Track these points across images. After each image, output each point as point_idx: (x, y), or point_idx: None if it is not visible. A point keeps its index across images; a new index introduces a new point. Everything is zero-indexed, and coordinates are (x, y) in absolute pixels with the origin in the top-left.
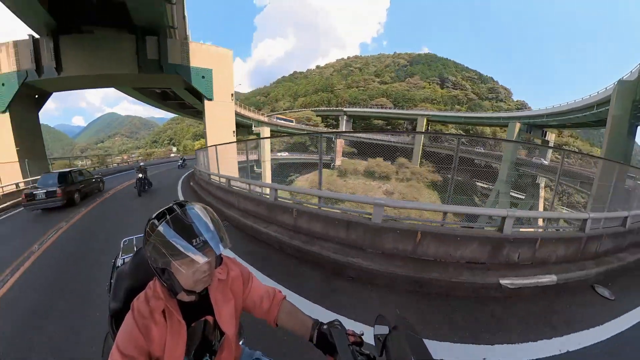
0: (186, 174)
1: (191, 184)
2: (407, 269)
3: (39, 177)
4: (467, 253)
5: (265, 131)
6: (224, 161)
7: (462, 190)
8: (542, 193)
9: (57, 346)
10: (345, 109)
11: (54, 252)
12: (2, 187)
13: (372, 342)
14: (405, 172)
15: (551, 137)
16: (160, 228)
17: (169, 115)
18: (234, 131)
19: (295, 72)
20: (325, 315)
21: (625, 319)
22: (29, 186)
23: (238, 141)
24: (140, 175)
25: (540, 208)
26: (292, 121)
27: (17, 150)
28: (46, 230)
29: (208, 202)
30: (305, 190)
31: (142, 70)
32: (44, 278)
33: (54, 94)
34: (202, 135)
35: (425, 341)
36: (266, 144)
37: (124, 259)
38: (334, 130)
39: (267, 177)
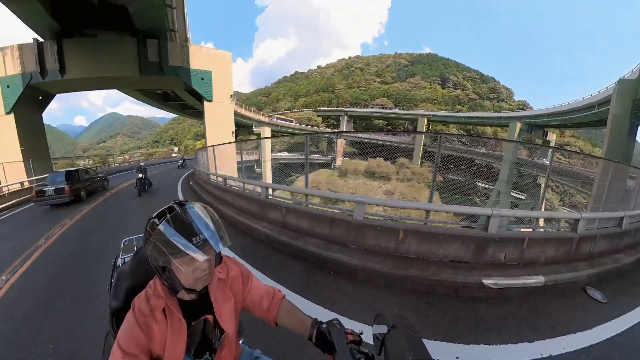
0: (186, 173)
1: (191, 183)
2: (387, 266)
3: (43, 176)
4: (451, 252)
5: (266, 131)
6: (224, 161)
7: (462, 190)
8: (543, 193)
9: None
10: (346, 109)
11: (58, 248)
12: (7, 185)
13: (372, 342)
14: (405, 172)
15: (552, 137)
16: (161, 227)
17: (171, 115)
18: (233, 131)
19: (296, 72)
20: (324, 315)
21: (617, 323)
22: (39, 184)
23: (236, 142)
24: (140, 175)
25: (542, 208)
26: (292, 121)
27: (21, 150)
28: (51, 226)
29: (206, 200)
30: (290, 188)
31: (144, 73)
32: (49, 269)
33: (57, 95)
34: (204, 135)
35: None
36: (266, 144)
37: (124, 258)
38: (334, 130)
39: (268, 177)
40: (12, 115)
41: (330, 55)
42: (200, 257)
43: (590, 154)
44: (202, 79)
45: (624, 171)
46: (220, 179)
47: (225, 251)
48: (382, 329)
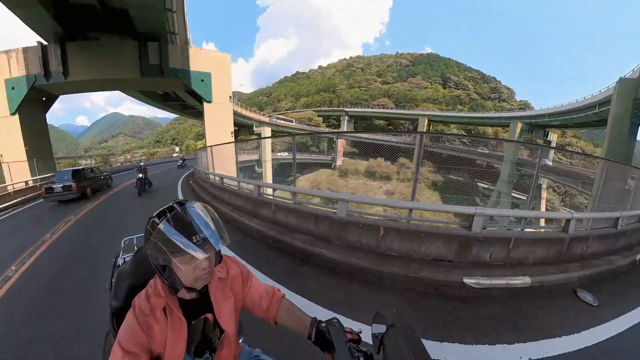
0: (186, 173)
1: (190, 182)
2: (369, 262)
3: (47, 175)
4: (432, 250)
5: (267, 131)
6: (223, 161)
7: (463, 190)
8: (544, 194)
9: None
10: (346, 109)
11: (62, 244)
12: (13, 184)
13: (370, 341)
14: (406, 172)
15: (553, 137)
16: (161, 226)
17: (172, 115)
18: (232, 132)
19: (297, 73)
20: (324, 315)
21: (607, 327)
22: (46, 182)
23: (233, 142)
24: (140, 175)
25: (543, 208)
26: (291, 121)
27: (25, 150)
28: (56, 222)
29: (204, 198)
30: (279, 186)
31: (145, 75)
32: (54, 263)
33: (60, 96)
34: (204, 135)
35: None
36: (267, 144)
37: (124, 258)
38: (334, 130)
39: (268, 177)
40: (16, 116)
41: (331, 55)
42: (200, 255)
43: (592, 154)
44: (202, 80)
45: (624, 171)
46: (217, 178)
47: (225, 250)
48: (381, 328)
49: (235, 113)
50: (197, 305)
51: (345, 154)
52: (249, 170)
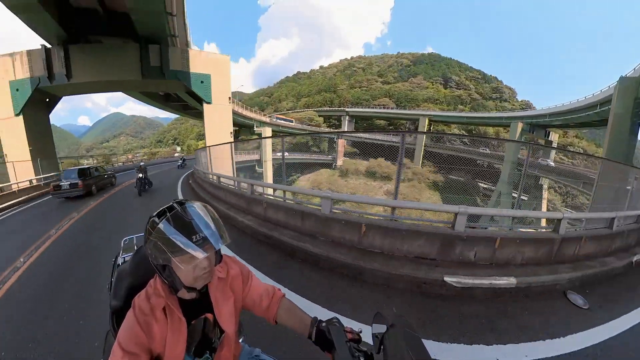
0: (186, 173)
1: (190, 181)
2: (351, 257)
3: (50, 174)
4: (415, 248)
5: (267, 131)
6: (222, 161)
7: (464, 190)
8: (545, 195)
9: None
10: (347, 109)
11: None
12: (17, 183)
13: (371, 341)
14: (406, 172)
15: (554, 137)
16: (161, 225)
17: (173, 115)
18: (231, 132)
19: (298, 73)
20: (324, 315)
21: (596, 332)
22: (52, 180)
23: (231, 142)
24: (140, 175)
25: (544, 209)
26: (291, 121)
27: (30, 150)
28: (61, 218)
29: (202, 197)
30: (272, 185)
31: (146, 77)
32: (58, 257)
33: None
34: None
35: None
36: (267, 144)
37: (124, 257)
38: (335, 130)
39: (269, 177)
40: (21, 117)
41: (332, 55)
42: (200, 254)
43: (594, 154)
44: (202, 82)
45: (625, 171)
46: (215, 177)
47: (225, 250)
48: (381, 328)
49: (236, 113)
50: (197, 305)
51: (345, 154)
52: (249, 170)
